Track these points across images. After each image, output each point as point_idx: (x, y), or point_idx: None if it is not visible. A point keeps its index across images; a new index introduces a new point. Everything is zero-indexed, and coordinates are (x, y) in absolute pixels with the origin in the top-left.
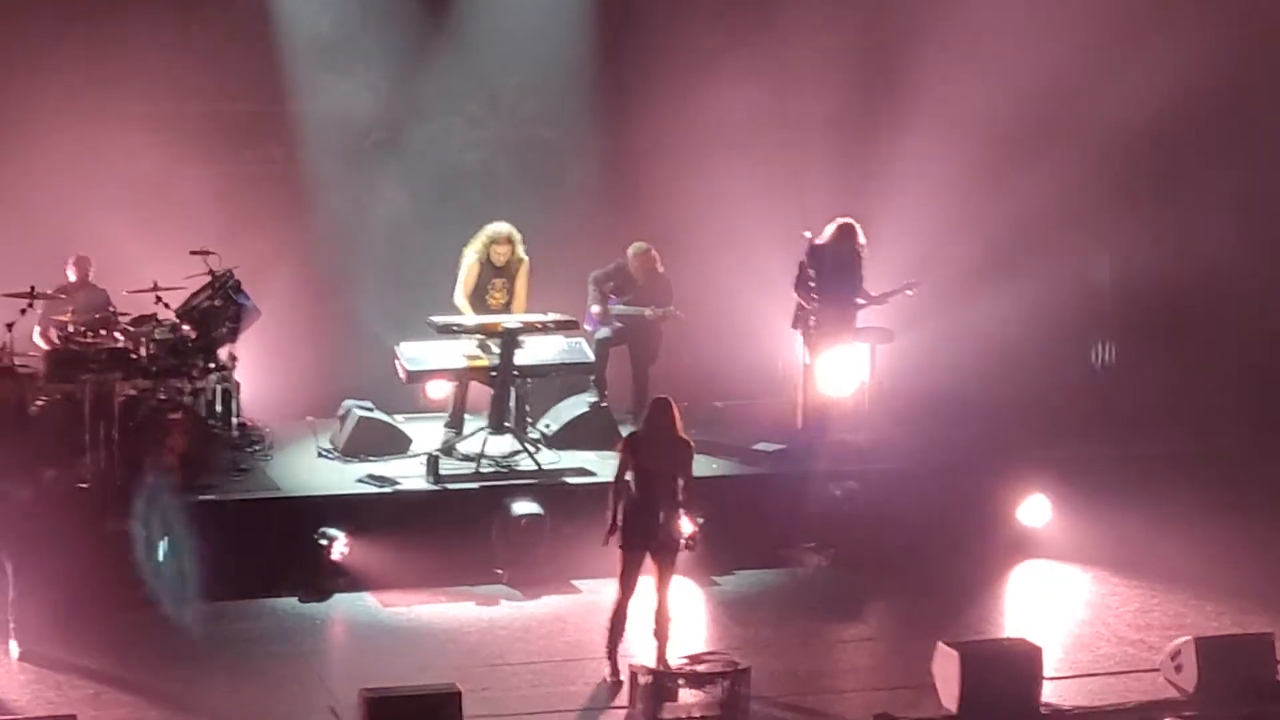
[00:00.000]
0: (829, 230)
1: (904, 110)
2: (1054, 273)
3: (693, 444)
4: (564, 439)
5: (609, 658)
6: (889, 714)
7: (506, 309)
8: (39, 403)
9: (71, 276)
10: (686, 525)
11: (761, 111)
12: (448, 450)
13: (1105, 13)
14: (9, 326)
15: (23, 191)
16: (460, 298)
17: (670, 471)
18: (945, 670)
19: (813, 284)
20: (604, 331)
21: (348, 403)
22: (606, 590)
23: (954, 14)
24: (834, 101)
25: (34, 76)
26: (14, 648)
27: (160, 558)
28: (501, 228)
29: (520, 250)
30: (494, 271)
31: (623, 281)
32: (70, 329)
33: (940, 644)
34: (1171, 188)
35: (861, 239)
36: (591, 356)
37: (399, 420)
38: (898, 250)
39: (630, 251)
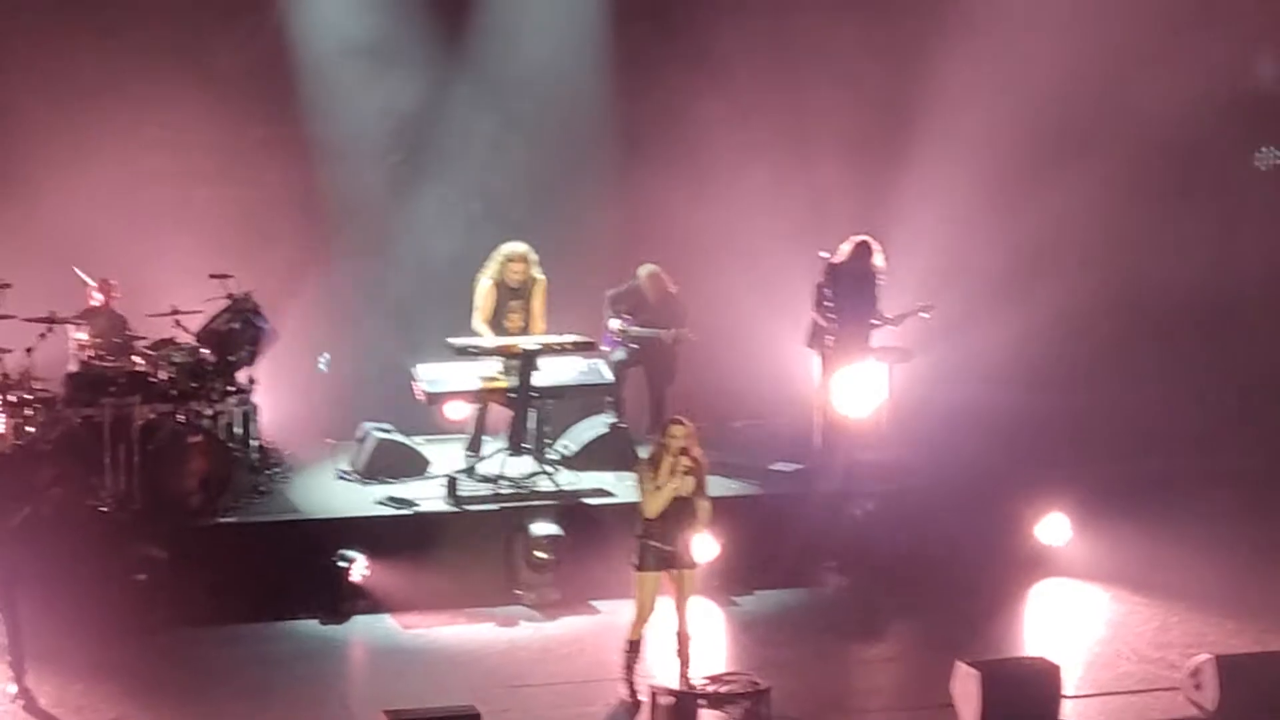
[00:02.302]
0: (845, 249)
1: (922, 126)
2: (1074, 288)
3: (706, 463)
4: (583, 460)
5: (626, 680)
6: None
7: (524, 332)
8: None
9: (94, 301)
10: (704, 545)
11: (780, 128)
12: (467, 472)
13: (1129, 20)
14: (28, 351)
15: (44, 216)
16: (478, 323)
17: (690, 491)
18: (965, 689)
19: (829, 303)
20: (620, 353)
21: (366, 425)
22: (625, 611)
23: (974, 25)
24: (852, 117)
25: (52, 102)
26: (11, 687)
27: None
28: (517, 246)
29: (536, 270)
30: (510, 294)
31: (636, 302)
32: (90, 353)
33: (960, 663)
34: (1200, 198)
35: (879, 258)
36: (610, 378)
37: (418, 442)
38: (917, 266)
39: (640, 274)
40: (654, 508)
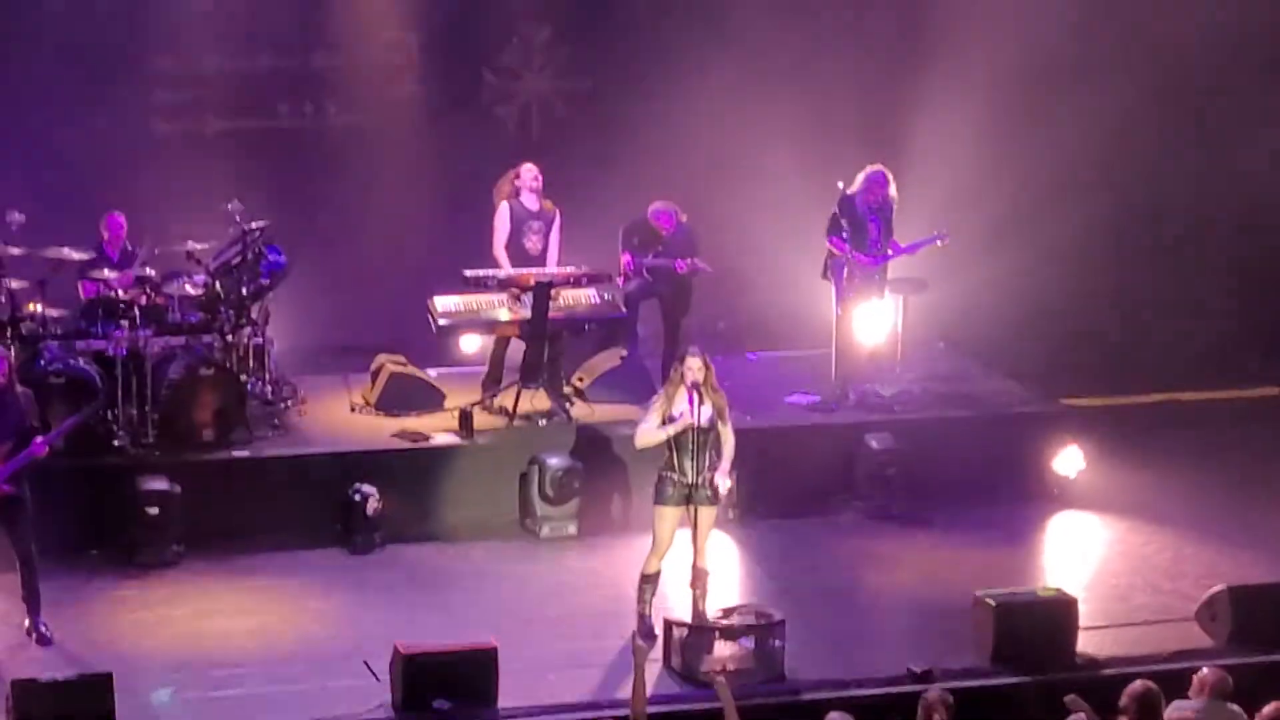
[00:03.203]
0: (859, 179)
1: (938, 53)
2: (1089, 217)
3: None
4: (597, 392)
5: (640, 613)
6: (924, 666)
7: (543, 254)
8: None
9: (104, 235)
10: (726, 478)
11: (794, 57)
12: (481, 405)
13: None
14: (40, 285)
15: (56, 150)
16: (498, 248)
17: (707, 423)
18: (981, 622)
19: (844, 234)
20: (634, 285)
21: (381, 357)
22: (641, 544)
23: None
24: (866, 43)
25: (64, 35)
26: (25, 622)
27: None
28: (526, 166)
29: (549, 200)
30: (528, 214)
31: (648, 236)
32: (103, 287)
33: (976, 595)
34: (1219, 124)
35: (892, 188)
36: (624, 310)
37: (432, 375)
38: (932, 197)
39: (650, 211)
40: (644, 442)
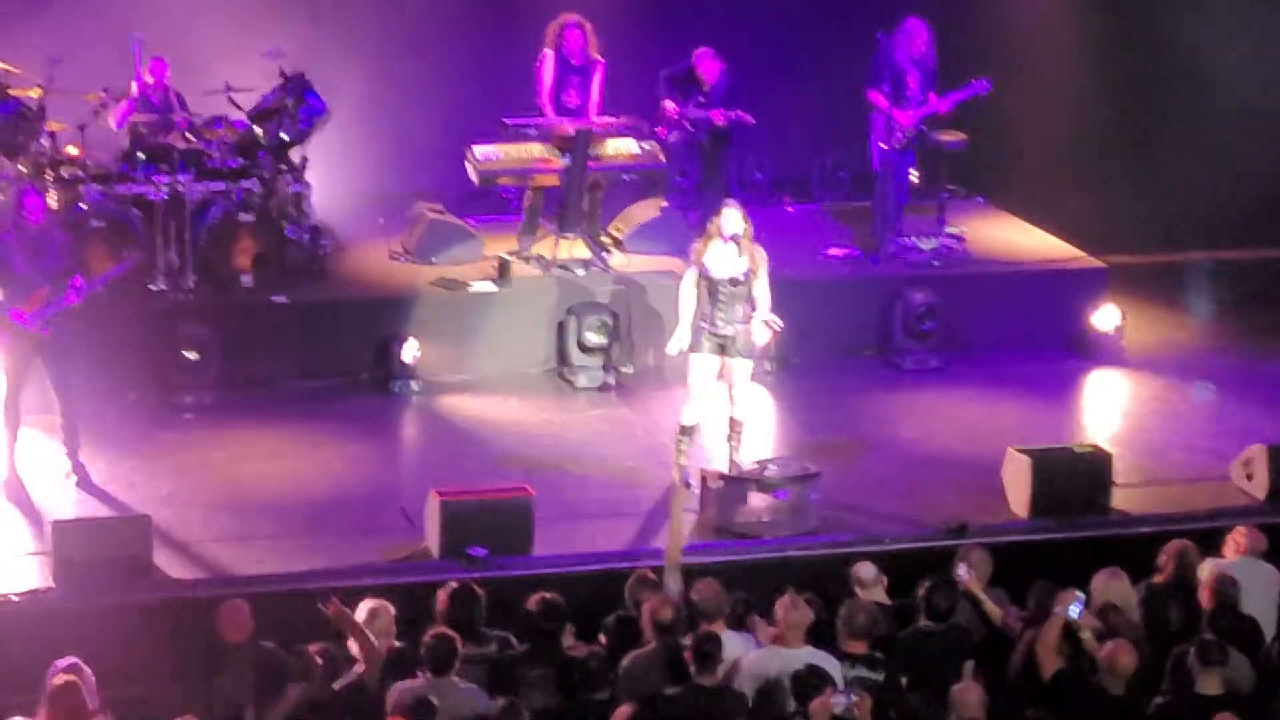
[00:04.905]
0: (899, 31)
1: None
2: (1137, 72)
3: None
4: (635, 243)
5: (677, 464)
6: (959, 520)
7: (582, 110)
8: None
9: (147, 79)
10: (763, 331)
11: None
12: (519, 253)
13: None
14: (81, 129)
15: None
16: (543, 96)
17: (743, 275)
18: (1016, 476)
19: (885, 87)
20: (675, 135)
21: (419, 205)
22: (677, 395)
23: None
24: None
25: None
26: (65, 464)
27: None
28: (571, 15)
29: (595, 50)
30: (570, 69)
31: (690, 83)
32: (143, 131)
33: (1011, 450)
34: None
35: (930, 38)
36: (663, 160)
37: (470, 223)
38: (978, 51)
39: (695, 56)
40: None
